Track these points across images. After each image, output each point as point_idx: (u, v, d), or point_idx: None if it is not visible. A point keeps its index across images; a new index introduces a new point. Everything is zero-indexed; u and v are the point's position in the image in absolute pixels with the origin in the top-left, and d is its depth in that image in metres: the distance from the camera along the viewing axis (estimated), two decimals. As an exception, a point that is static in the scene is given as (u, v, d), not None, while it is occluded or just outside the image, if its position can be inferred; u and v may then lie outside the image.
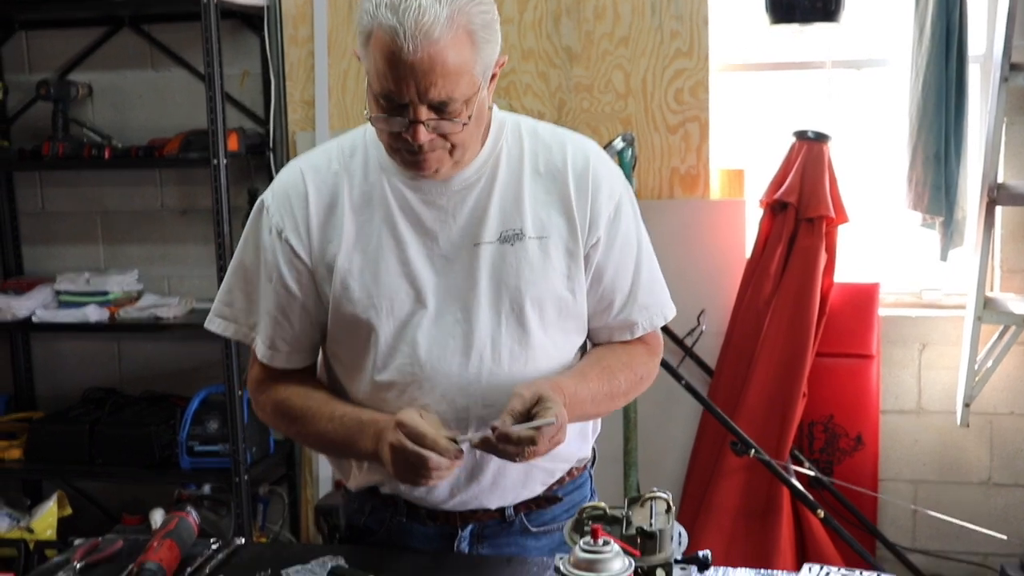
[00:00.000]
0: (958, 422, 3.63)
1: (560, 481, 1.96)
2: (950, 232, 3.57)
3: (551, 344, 1.86)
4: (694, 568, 1.66)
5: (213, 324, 1.95)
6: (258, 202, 1.90)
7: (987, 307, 3.50)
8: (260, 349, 1.91)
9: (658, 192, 3.85)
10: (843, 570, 1.70)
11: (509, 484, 1.89)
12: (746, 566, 1.81)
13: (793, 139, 3.73)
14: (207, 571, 1.84)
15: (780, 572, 1.79)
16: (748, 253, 3.81)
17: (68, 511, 4.11)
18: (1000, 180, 3.56)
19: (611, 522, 1.63)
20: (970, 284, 3.56)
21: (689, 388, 3.48)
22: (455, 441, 1.68)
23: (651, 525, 1.59)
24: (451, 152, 1.73)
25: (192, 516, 1.93)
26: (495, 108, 1.86)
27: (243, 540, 1.98)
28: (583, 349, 1.96)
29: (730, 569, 1.80)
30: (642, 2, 3.80)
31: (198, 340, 4.05)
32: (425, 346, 1.81)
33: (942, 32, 3.46)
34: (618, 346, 1.95)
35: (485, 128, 1.82)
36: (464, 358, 1.81)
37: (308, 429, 1.89)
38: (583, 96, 3.88)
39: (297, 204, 1.84)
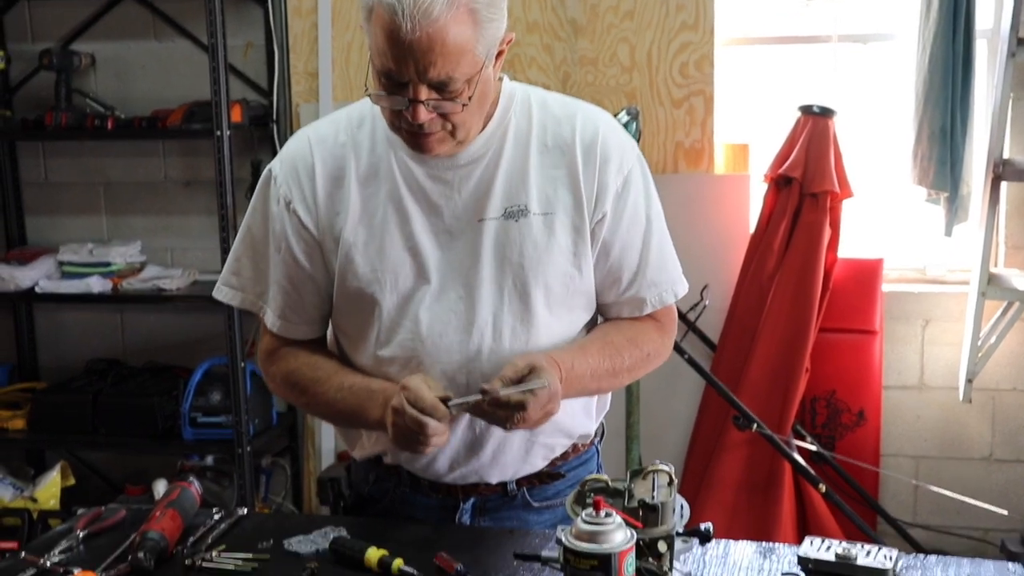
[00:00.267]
0: (960, 398, 3.64)
1: (564, 456, 1.95)
2: (955, 208, 3.56)
3: (556, 321, 1.84)
4: (696, 540, 1.66)
5: (220, 293, 1.94)
6: (266, 171, 1.89)
7: (991, 283, 3.50)
8: (270, 319, 1.90)
9: (662, 166, 3.84)
10: (844, 543, 1.70)
11: (509, 459, 1.88)
12: (747, 539, 1.82)
13: (798, 113, 3.71)
14: (209, 540, 1.84)
15: (781, 545, 1.79)
16: (752, 228, 3.80)
17: (71, 481, 4.13)
18: (1006, 156, 3.55)
19: (613, 495, 1.64)
20: (974, 260, 3.56)
21: (692, 362, 3.48)
22: (447, 405, 1.68)
23: (653, 497, 1.59)
24: (452, 133, 1.71)
25: (195, 486, 1.93)
26: (505, 79, 1.84)
27: (245, 510, 1.98)
28: (592, 326, 1.94)
29: (731, 542, 1.80)
30: (648, -26, 3.78)
31: (201, 312, 4.07)
32: (427, 322, 1.80)
33: (949, 6, 3.43)
34: (624, 322, 1.92)
35: (493, 101, 1.80)
36: (465, 335, 1.80)
37: (318, 399, 1.89)
38: (588, 69, 3.86)
39: (304, 175, 1.83)
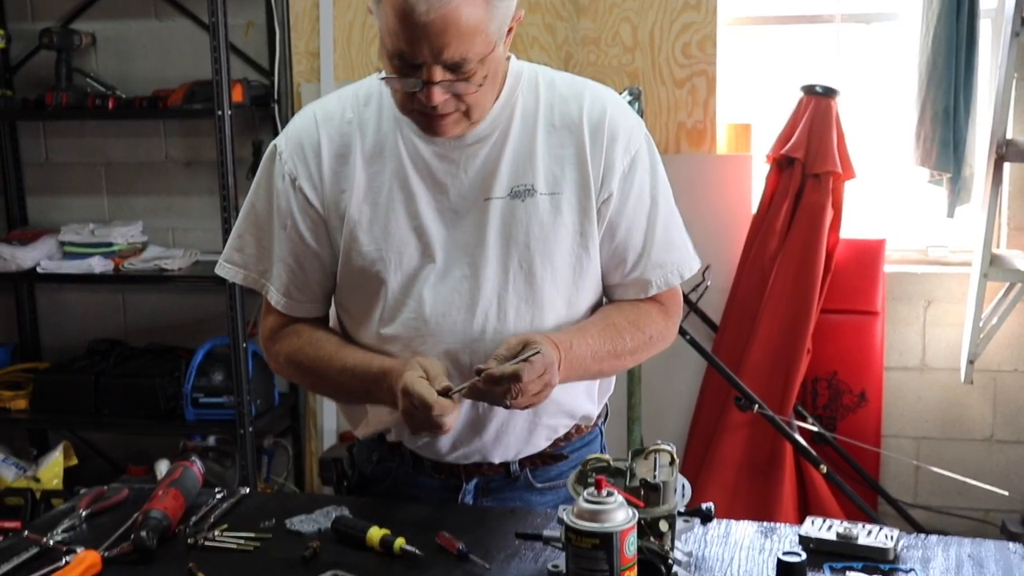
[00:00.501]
0: (962, 379, 3.64)
1: (567, 437, 1.95)
2: (957, 188, 3.55)
3: (561, 302, 1.84)
4: (697, 520, 1.67)
5: (223, 270, 1.93)
6: (271, 147, 1.88)
7: (993, 264, 3.49)
8: (274, 296, 1.90)
9: (664, 147, 3.83)
10: (845, 523, 1.71)
11: (512, 439, 1.88)
12: (749, 519, 1.82)
13: (801, 94, 3.70)
14: (212, 520, 1.84)
15: (782, 525, 1.79)
16: (754, 208, 3.80)
17: (74, 461, 4.14)
18: (1009, 136, 3.54)
19: (615, 474, 1.63)
20: (976, 241, 3.55)
21: (693, 343, 3.48)
22: (449, 395, 1.67)
23: (655, 477, 1.59)
24: (467, 113, 1.71)
25: (197, 466, 1.93)
26: (513, 58, 1.83)
27: (248, 490, 1.98)
28: (598, 307, 1.93)
29: (733, 522, 1.81)
30: (650, -46, 3.77)
31: (203, 292, 4.07)
32: (431, 302, 1.80)
33: (953, -14, 3.42)
34: (627, 304, 1.91)
35: (501, 80, 1.79)
36: (469, 315, 1.79)
37: (321, 379, 1.89)
38: (590, 49, 3.85)
39: (310, 153, 1.82)
